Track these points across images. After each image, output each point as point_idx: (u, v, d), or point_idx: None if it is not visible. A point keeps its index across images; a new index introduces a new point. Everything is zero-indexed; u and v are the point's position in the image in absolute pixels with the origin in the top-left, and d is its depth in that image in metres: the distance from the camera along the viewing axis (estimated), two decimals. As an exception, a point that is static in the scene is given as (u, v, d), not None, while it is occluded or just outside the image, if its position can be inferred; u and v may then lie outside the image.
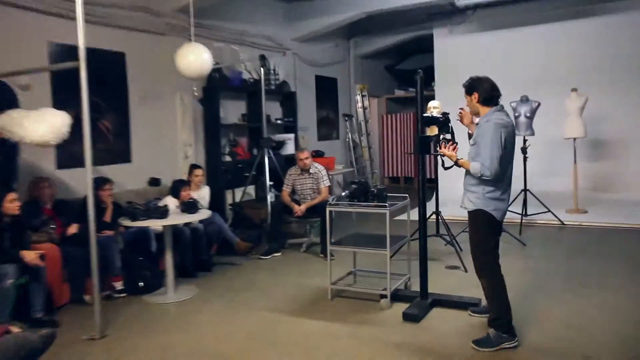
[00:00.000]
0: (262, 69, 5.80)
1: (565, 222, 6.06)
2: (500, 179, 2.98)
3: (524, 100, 6.38)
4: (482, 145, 2.95)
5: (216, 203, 5.62)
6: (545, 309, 3.49)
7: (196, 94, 5.73)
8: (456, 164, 3.13)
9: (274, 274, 4.65)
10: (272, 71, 7.24)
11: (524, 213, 6.01)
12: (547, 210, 6.05)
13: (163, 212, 4.05)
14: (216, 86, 6.19)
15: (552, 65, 7.58)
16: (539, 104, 6.38)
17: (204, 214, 4.45)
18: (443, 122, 3.40)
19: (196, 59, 4.53)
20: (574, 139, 6.53)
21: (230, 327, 3.43)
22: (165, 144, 5.80)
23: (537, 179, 6.89)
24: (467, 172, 3.10)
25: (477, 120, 3.16)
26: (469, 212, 3.10)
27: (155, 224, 4.18)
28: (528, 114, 6.36)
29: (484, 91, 3.05)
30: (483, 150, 2.94)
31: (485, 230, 3.05)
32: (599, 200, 7.07)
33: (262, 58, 5.75)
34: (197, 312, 3.74)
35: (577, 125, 6.47)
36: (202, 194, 5.17)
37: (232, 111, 6.72)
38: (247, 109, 6.96)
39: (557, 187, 7.10)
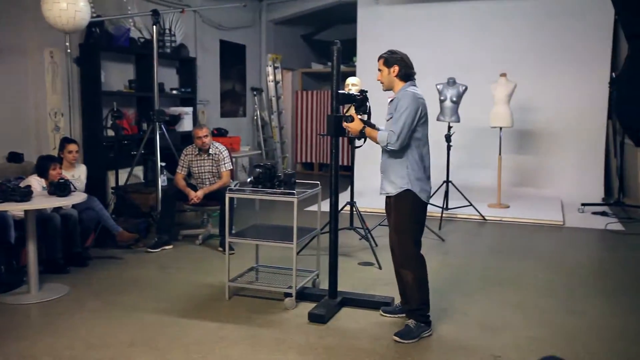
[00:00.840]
0: (154, 27, 5.64)
1: (487, 217, 6.52)
2: (422, 158, 3.25)
3: (451, 83, 6.74)
4: (397, 114, 3.19)
5: (95, 186, 5.45)
6: (460, 307, 3.77)
7: (69, 50, 5.46)
8: (362, 135, 3.32)
9: (163, 270, 4.59)
10: (167, 31, 7.07)
11: (444, 206, 6.39)
12: (469, 204, 6.48)
13: (24, 194, 3.85)
14: (96, 44, 5.95)
15: (482, 47, 8.07)
16: (466, 88, 6.77)
17: (79, 197, 4.28)
18: (360, 101, 3.53)
19: (69, 7, 4.34)
20: (500, 128, 7.02)
21: (106, 331, 3.36)
22: (29, 112, 5.50)
23: (461, 171, 7.36)
24: (384, 152, 3.29)
25: (390, 96, 3.36)
26: (391, 197, 3.28)
27: (15, 209, 3.99)
28: (454, 98, 6.72)
29: (405, 66, 3.30)
30: (396, 120, 3.18)
31: (412, 214, 3.26)
32: (521, 194, 7.69)
33: (155, 14, 5.58)
34: (66, 315, 3.62)
35: (504, 114, 6.96)
36: (77, 174, 4.98)
37: (117, 76, 6.49)
38: (135, 74, 6.76)
39: (481, 180, 7.62)
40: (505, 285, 4.28)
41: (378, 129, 3.37)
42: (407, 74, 3.30)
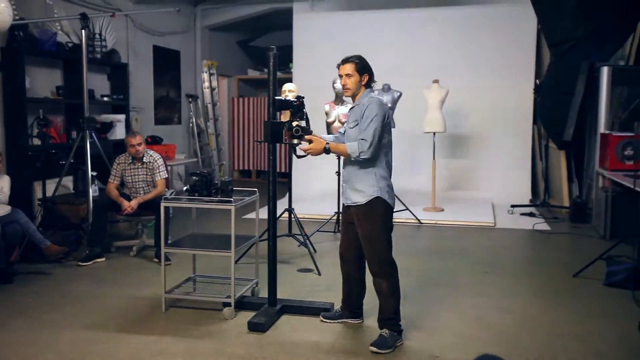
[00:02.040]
0: (83, 31, 5.44)
1: (423, 221, 6.67)
2: (388, 164, 3.26)
3: (386, 89, 6.86)
4: (366, 122, 3.16)
5: (20, 197, 5.21)
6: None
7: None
8: (327, 151, 3.23)
9: (96, 284, 4.42)
10: (97, 36, 6.84)
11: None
12: (405, 208, 6.60)
13: (-58, 208, 3.62)
14: (20, 48, 5.69)
15: (415, 54, 8.27)
16: (401, 94, 6.92)
17: (1, 210, 4.07)
18: (297, 107, 3.53)
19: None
20: (434, 133, 7.21)
21: (33, 350, 3.19)
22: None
23: (396, 175, 7.47)
24: (350, 162, 3.26)
25: (347, 105, 3.36)
26: (359, 206, 3.24)
27: None
28: (389, 104, 6.85)
29: (372, 74, 3.30)
30: (366, 127, 3.15)
31: (384, 221, 3.25)
32: (455, 198, 7.92)
33: (84, 18, 5.38)
34: (-11, 335, 3.42)
35: (437, 119, 7.15)
36: (0, 185, 4.73)
37: (43, 82, 6.22)
38: (63, 80, 6.51)
39: (416, 184, 7.80)
40: (442, 286, 4.38)
41: (322, 138, 3.36)
42: (371, 82, 3.30)
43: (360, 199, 3.25)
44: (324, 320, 3.58)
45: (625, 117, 6.26)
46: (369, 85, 3.30)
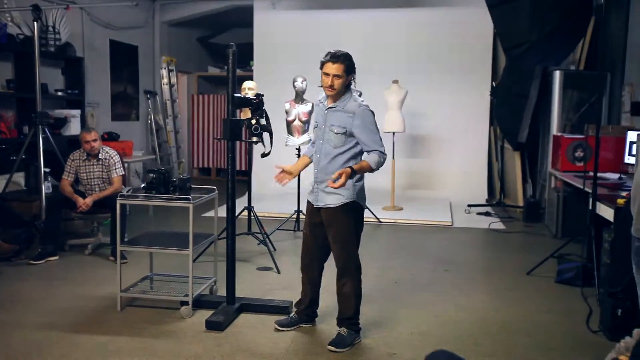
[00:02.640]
0: (35, 23, 5.28)
1: (382, 220, 6.74)
2: None
3: (352, 90, 6.89)
4: (368, 130, 3.13)
5: (-33, 194, 5.00)
6: (357, 309, 3.86)
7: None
8: (355, 172, 3.07)
9: (48, 283, 4.30)
10: (51, 28, 6.65)
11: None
12: (366, 208, 6.65)
13: None
14: (-31, 40, 5.48)
15: (376, 54, 8.33)
16: (361, 94, 6.91)
17: (-52, 207, 3.92)
18: (257, 105, 3.52)
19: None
20: (393, 133, 7.29)
21: (-18, 352, 3.09)
22: None
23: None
24: (325, 163, 3.19)
25: (330, 103, 3.21)
26: (332, 207, 3.19)
27: None
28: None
29: (355, 74, 3.21)
30: (373, 136, 3.13)
31: (357, 224, 3.25)
32: (414, 197, 8.03)
33: (36, 9, 5.22)
34: None
35: (397, 119, 7.24)
36: (-53, 182, 4.55)
37: (-7, 75, 6.02)
38: (14, 73, 6.30)
39: (375, 183, 7.85)
40: (400, 285, 4.45)
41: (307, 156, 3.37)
42: (351, 83, 3.21)
43: (334, 201, 3.19)
44: (279, 328, 3.46)
45: (576, 119, 6.48)
46: (349, 86, 3.20)
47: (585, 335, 3.48)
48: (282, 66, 8.25)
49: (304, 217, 3.78)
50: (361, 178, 3.26)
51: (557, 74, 6.53)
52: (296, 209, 5.91)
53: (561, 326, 3.62)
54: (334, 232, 3.25)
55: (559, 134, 6.36)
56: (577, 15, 6.16)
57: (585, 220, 4.64)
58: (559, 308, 3.95)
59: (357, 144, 3.20)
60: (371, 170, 3.14)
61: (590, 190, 4.41)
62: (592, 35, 6.67)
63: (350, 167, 3.05)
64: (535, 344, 3.35)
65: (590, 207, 4.36)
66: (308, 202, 3.38)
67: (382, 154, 3.15)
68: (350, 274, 3.27)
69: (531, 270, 4.72)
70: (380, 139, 3.18)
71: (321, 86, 3.23)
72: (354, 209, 3.23)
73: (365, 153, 3.21)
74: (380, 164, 3.15)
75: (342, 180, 2.98)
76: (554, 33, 5.88)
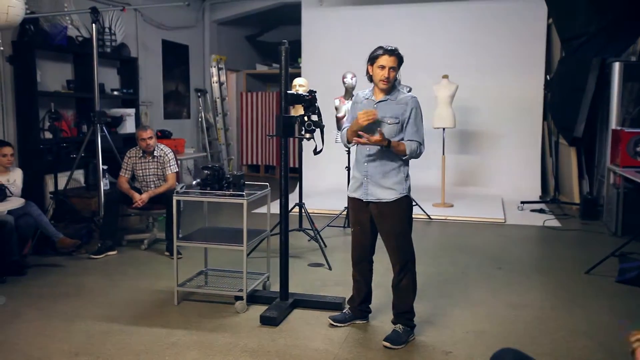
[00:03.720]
0: (93, 25, 5.46)
1: (432, 217, 6.67)
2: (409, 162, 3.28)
3: (396, 84, 6.83)
4: (417, 122, 3.19)
5: (32, 190, 5.24)
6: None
7: (2, 48, 5.22)
8: (388, 145, 3.12)
9: (108, 277, 4.45)
10: (107, 30, 6.87)
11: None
12: (415, 204, 6.59)
13: (-43, 200, 3.65)
14: (31, 42, 5.72)
15: (425, 49, 8.23)
16: (410, 89, 6.83)
17: (15, 202, 4.11)
18: (309, 102, 3.53)
19: (1, 2, 4.14)
20: (443, 129, 7.19)
21: (48, 342, 3.23)
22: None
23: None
24: (377, 158, 3.21)
25: (379, 97, 3.23)
26: (386, 202, 3.21)
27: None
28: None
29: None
30: (418, 128, 3.19)
31: (410, 218, 3.28)
32: (465, 194, 7.91)
33: (95, 12, 5.40)
34: (3, 326, 3.45)
35: (447, 115, 7.13)
36: (12, 179, 4.77)
37: (54, 76, 6.26)
38: (73, 74, 6.54)
39: (426, 180, 7.78)
40: (453, 282, 4.39)
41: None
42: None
43: (388, 196, 3.21)
44: (334, 324, 3.47)
45: (637, 113, 6.23)
46: (396, 79, 3.26)
47: (649, 337, 3.34)
48: (330, 63, 8.25)
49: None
50: (409, 174, 3.29)
51: (617, 66, 6.29)
52: (346, 205, 5.91)
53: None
54: (389, 227, 3.24)
55: (619, 128, 6.13)
56: (639, 6, 5.91)
57: (648, 217, 4.46)
58: (621, 309, 3.82)
59: None
60: (404, 154, 3.18)
61: (653, 187, 4.24)
62: (654, 25, 6.39)
63: (388, 140, 3.11)
64: (596, 346, 3.25)
65: (654, 204, 4.19)
66: (354, 199, 3.36)
67: (421, 145, 3.20)
68: (407, 267, 3.28)
69: (590, 269, 4.57)
70: (423, 134, 3.22)
71: (371, 81, 3.27)
72: (406, 203, 3.26)
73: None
74: (415, 153, 3.19)
75: (378, 137, 3.07)
76: (613, 24, 5.67)
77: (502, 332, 3.43)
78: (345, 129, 3.36)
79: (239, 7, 9.57)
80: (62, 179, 5.68)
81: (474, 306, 3.86)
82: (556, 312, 3.77)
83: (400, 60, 3.19)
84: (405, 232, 3.26)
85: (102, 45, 6.73)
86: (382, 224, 3.27)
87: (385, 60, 3.14)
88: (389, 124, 3.19)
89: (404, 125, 3.19)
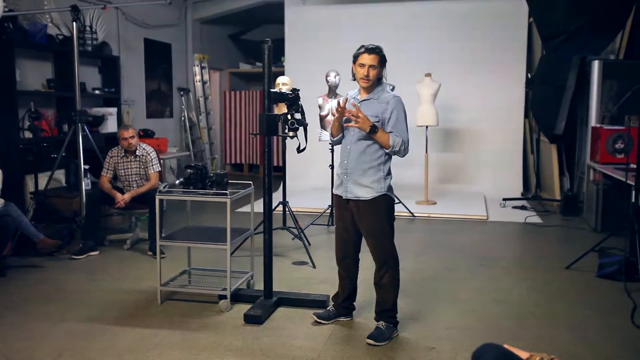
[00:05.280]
0: (74, 23, 5.39)
1: (416, 214, 6.70)
2: (391, 161, 3.29)
3: (384, 82, 6.86)
4: (398, 120, 3.18)
5: (11, 191, 5.14)
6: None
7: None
8: (373, 131, 3.10)
9: (90, 277, 4.41)
10: (88, 28, 6.79)
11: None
12: (398, 201, 6.61)
13: None
14: (10, 40, 5.62)
15: (407, 47, 8.25)
16: (394, 88, 6.88)
17: (-5, 203, 4.04)
18: (293, 100, 3.53)
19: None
20: (426, 127, 7.23)
21: (28, 344, 3.18)
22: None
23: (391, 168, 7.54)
24: (357, 154, 3.21)
25: (363, 95, 3.24)
26: (363, 200, 3.21)
27: None
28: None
29: (385, 68, 3.26)
30: (403, 126, 3.19)
31: (390, 216, 3.26)
32: (447, 191, 7.96)
33: (75, 10, 5.34)
34: (-17, 328, 3.40)
35: (430, 113, 7.17)
36: (-8, 179, 4.69)
37: (34, 75, 6.17)
38: (54, 73, 6.45)
39: (409, 178, 7.82)
40: (437, 279, 4.42)
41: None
42: (383, 75, 3.26)
43: (365, 194, 3.21)
44: (318, 320, 3.48)
45: (616, 110, 6.32)
46: (381, 77, 3.25)
47: (630, 331, 3.40)
48: (314, 61, 8.24)
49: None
50: (389, 172, 3.29)
51: (596, 64, 6.38)
52: (330, 203, 5.92)
53: (604, 321, 3.55)
54: (367, 226, 3.26)
55: (598, 125, 6.21)
56: (618, 4, 5.99)
57: (626, 213, 4.52)
58: (601, 303, 3.87)
59: None
60: (387, 145, 3.17)
61: (632, 183, 4.30)
62: (632, 24, 6.48)
63: (374, 124, 3.11)
64: (577, 339, 3.29)
65: (633, 200, 4.25)
66: (336, 195, 3.39)
67: (404, 142, 3.19)
68: (388, 265, 3.27)
69: (571, 265, 4.63)
70: (408, 133, 3.23)
71: (354, 79, 3.27)
72: (385, 201, 3.25)
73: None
74: (398, 146, 3.17)
75: (362, 117, 3.07)
76: (593, 22, 5.74)
77: (485, 327, 3.46)
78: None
79: (222, 6, 9.52)
80: (43, 179, 5.61)
81: (457, 302, 3.89)
82: (538, 307, 3.81)
83: (381, 58, 3.18)
84: (384, 231, 3.25)
85: (83, 44, 6.65)
86: (361, 222, 3.28)
87: (365, 58, 3.16)
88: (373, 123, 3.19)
89: (385, 125, 3.19)
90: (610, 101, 6.48)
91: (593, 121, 6.42)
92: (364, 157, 3.22)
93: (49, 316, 3.61)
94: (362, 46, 3.21)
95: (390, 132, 3.18)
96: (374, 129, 3.12)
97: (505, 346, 1.67)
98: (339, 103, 3.22)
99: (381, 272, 3.29)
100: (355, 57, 3.21)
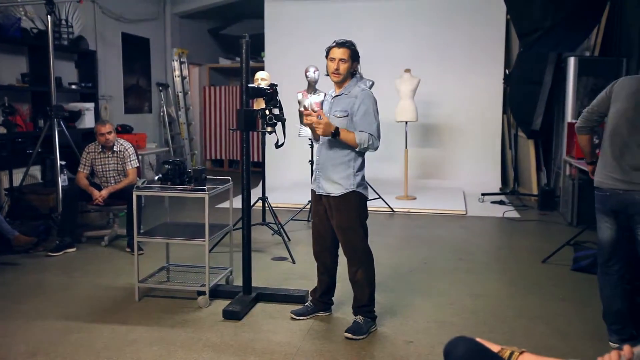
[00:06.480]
0: (49, 17, 5.31)
1: (395, 209, 6.74)
2: (364, 157, 3.26)
3: (358, 78, 6.87)
4: (366, 113, 3.15)
5: (-15, 187, 5.07)
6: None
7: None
8: (335, 135, 3.11)
9: (66, 275, 4.36)
10: (63, 22, 6.70)
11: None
12: (378, 197, 6.65)
13: None
14: (-17, 34, 5.53)
15: (387, 43, 8.30)
16: (373, 83, 6.89)
17: (-32, 200, 3.97)
18: (271, 95, 3.52)
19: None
20: (406, 122, 7.27)
21: (4, 343, 3.14)
22: None
23: (369, 164, 7.53)
24: (327, 150, 3.22)
25: (337, 91, 3.26)
26: (333, 197, 3.21)
27: None
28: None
29: (359, 62, 3.25)
30: (371, 120, 3.15)
31: (359, 211, 3.25)
32: (427, 186, 8.02)
33: (50, 3, 5.25)
34: (-44, 327, 3.35)
35: (409, 108, 7.21)
36: (-35, 175, 4.61)
37: (8, 69, 6.09)
38: (28, 67, 6.36)
39: (389, 173, 7.87)
40: (416, 273, 4.45)
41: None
42: (357, 70, 3.26)
43: (334, 190, 3.22)
44: (296, 317, 3.48)
45: (592, 106, 6.40)
46: (354, 73, 3.25)
47: (602, 323, 3.46)
48: (294, 57, 8.23)
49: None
50: (361, 168, 3.27)
51: (572, 61, 6.46)
52: (309, 199, 5.91)
53: (578, 313, 3.61)
54: (337, 222, 3.26)
55: (574, 121, 6.29)
56: (592, 1, 6.07)
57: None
58: (575, 295, 3.94)
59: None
60: (354, 144, 3.15)
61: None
62: (607, 21, 6.57)
63: (337, 128, 3.10)
64: (552, 331, 3.35)
65: (607, 194, 4.31)
66: (312, 190, 3.41)
67: (372, 137, 3.15)
68: (359, 261, 3.28)
69: (547, 258, 4.70)
70: (378, 128, 3.20)
71: (327, 75, 3.28)
72: (356, 198, 3.24)
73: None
74: (366, 143, 3.14)
75: (323, 121, 3.05)
76: (568, 19, 5.80)
77: (462, 321, 3.50)
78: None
79: (201, 0, 9.45)
80: (18, 175, 5.53)
81: (435, 296, 3.92)
82: (514, 300, 3.86)
83: (352, 52, 3.19)
84: (353, 227, 3.25)
85: (58, 38, 6.57)
86: (332, 218, 3.29)
87: (335, 52, 3.18)
88: (338, 118, 3.20)
89: (353, 118, 3.19)
90: (585, 97, 6.57)
91: (569, 117, 6.51)
92: (334, 154, 3.23)
93: (24, 314, 3.56)
94: (334, 41, 3.23)
95: (358, 131, 3.16)
96: (336, 133, 3.12)
97: (477, 340, 1.68)
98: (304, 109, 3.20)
99: (353, 268, 3.30)
100: (327, 52, 3.23)
